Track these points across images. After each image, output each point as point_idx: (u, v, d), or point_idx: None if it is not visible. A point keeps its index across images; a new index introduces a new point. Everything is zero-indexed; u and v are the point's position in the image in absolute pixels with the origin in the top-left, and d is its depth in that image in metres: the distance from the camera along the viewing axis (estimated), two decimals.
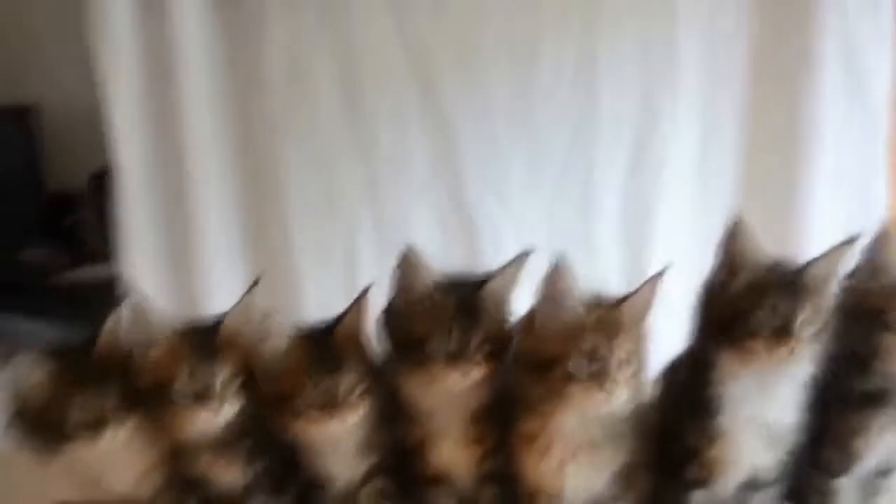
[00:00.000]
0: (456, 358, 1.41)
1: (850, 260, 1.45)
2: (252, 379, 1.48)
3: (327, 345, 1.46)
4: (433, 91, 2.37)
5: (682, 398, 1.49)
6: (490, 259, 2.28)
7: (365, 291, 1.48)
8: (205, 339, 1.47)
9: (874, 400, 1.50)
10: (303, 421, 1.44)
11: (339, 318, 1.49)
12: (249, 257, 2.45)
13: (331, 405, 1.43)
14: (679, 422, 1.49)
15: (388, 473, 1.58)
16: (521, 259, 1.47)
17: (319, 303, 2.35)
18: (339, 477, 1.58)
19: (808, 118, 2.33)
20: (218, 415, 1.45)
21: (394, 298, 1.47)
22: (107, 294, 2.39)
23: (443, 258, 2.35)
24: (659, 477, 1.54)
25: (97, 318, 1.59)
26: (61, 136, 3.36)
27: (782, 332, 1.37)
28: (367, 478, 1.59)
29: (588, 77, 2.38)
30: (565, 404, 1.39)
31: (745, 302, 1.40)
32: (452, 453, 1.53)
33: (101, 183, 2.48)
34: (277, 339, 1.44)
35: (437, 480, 1.57)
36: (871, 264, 1.49)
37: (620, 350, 1.35)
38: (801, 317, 1.37)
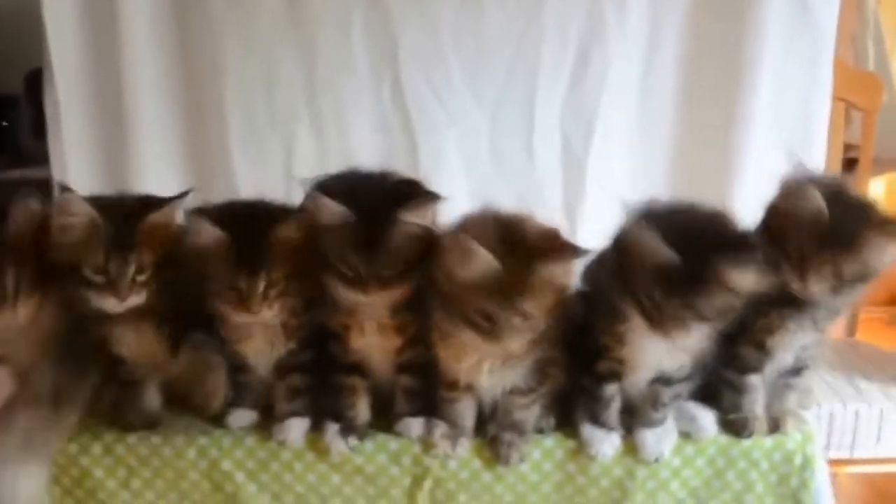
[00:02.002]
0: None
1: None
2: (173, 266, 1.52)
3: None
4: None
5: (597, 300, 1.52)
6: (430, 164, 2.36)
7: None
8: (124, 229, 1.49)
9: (790, 302, 1.53)
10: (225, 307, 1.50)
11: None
12: (188, 163, 2.41)
13: (245, 303, 1.48)
14: (593, 320, 1.53)
15: (304, 363, 1.62)
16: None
17: None
18: (256, 361, 1.62)
19: (752, 38, 2.32)
20: (123, 303, 1.50)
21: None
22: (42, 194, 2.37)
23: (383, 162, 2.38)
24: (574, 371, 1.60)
25: None
26: None
27: None
28: (284, 371, 1.63)
29: None
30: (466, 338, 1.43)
31: None
32: (373, 340, 1.57)
33: (36, 83, 2.41)
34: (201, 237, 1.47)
35: (355, 368, 1.61)
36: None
37: (521, 310, 1.37)
38: None
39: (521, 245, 1.39)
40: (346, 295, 1.49)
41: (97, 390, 1.69)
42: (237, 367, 1.65)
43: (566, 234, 1.46)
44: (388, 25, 2.32)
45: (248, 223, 1.48)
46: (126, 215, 1.50)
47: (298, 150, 2.36)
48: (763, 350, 1.59)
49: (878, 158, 2.83)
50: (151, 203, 1.54)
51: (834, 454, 2.21)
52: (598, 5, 2.33)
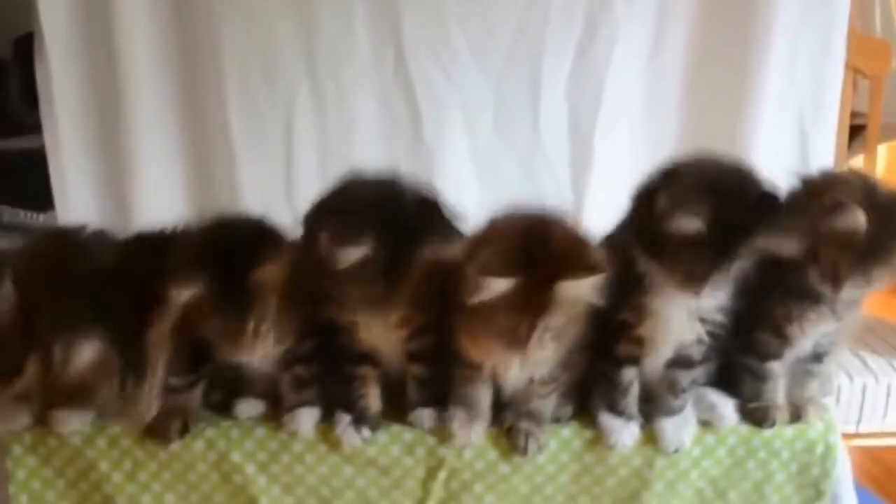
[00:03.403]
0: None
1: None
2: None
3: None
4: None
5: (617, 274, 1.43)
6: (434, 138, 2.31)
7: None
8: None
9: (812, 296, 1.50)
10: None
11: None
12: (184, 136, 2.33)
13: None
14: (613, 296, 1.45)
15: (307, 354, 1.58)
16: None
17: (256, 184, 2.31)
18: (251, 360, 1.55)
19: (765, 5, 2.27)
20: None
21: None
22: (33, 166, 2.31)
23: (386, 135, 2.33)
24: (592, 355, 1.56)
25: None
26: None
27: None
28: (287, 363, 1.58)
29: None
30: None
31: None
32: (380, 333, 1.52)
33: (26, 48, 2.33)
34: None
35: (365, 358, 1.57)
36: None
37: (544, 325, 1.34)
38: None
39: (544, 258, 1.33)
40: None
41: None
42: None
43: (592, 239, 1.43)
44: None
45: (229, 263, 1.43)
46: None
47: (299, 125, 2.30)
48: (782, 337, 1.56)
49: (886, 125, 2.79)
50: None
51: (840, 428, 2.19)
52: None
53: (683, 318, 1.48)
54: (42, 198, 2.31)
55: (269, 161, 2.29)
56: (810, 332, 1.56)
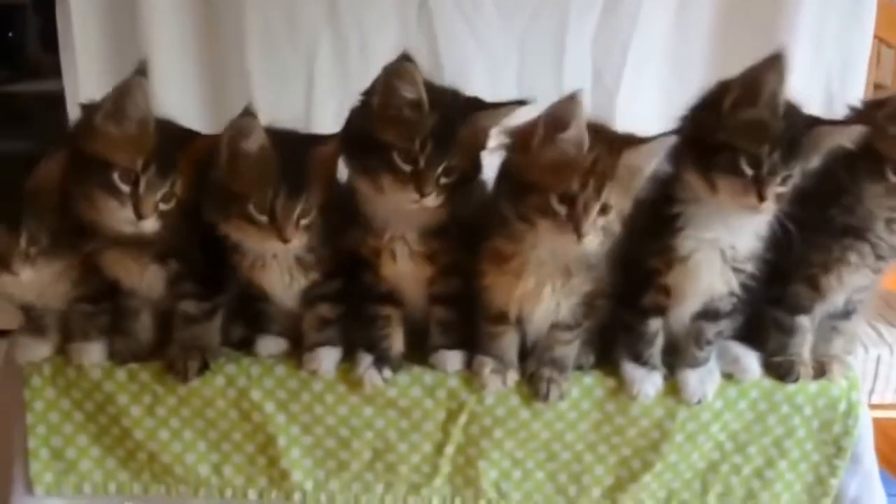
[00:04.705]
0: (417, 176, 1.36)
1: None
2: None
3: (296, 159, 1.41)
4: None
5: (647, 218, 1.44)
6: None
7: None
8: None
9: (852, 232, 1.49)
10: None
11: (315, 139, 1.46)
12: (205, 82, 2.32)
13: (276, 227, 1.39)
14: (642, 243, 1.46)
15: (332, 293, 1.56)
16: (513, 105, 1.43)
17: None
18: (276, 293, 1.55)
19: None
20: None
21: (370, 102, 1.42)
22: (50, 109, 2.29)
23: None
24: (618, 305, 1.54)
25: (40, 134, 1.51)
26: None
27: (752, 183, 1.35)
28: (312, 300, 1.56)
29: None
30: (536, 235, 1.36)
31: (732, 136, 1.37)
32: (405, 268, 1.50)
33: None
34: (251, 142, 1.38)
35: (388, 298, 1.55)
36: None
37: (604, 198, 1.32)
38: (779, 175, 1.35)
39: (607, 135, 1.35)
40: (395, 195, 1.38)
41: None
42: (257, 296, 1.58)
43: None
44: None
45: (291, 141, 1.41)
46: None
47: (320, 74, 2.28)
48: (816, 289, 1.54)
49: None
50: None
51: None
52: None
53: (716, 265, 1.45)
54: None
55: (290, 109, 2.26)
56: (847, 283, 1.54)
